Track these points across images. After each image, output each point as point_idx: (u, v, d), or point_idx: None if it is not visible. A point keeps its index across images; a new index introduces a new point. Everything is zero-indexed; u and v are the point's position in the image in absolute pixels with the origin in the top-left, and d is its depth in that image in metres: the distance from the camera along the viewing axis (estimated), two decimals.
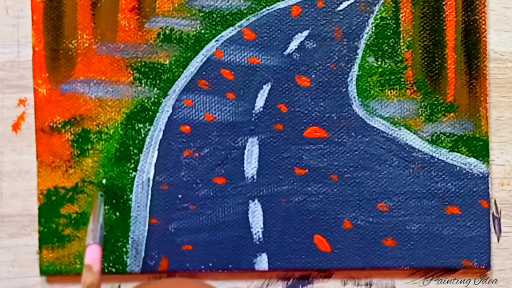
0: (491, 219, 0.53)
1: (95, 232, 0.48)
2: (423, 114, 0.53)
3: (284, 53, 0.53)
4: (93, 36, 0.53)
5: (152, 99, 0.53)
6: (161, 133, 0.53)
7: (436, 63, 0.53)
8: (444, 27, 0.53)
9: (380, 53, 0.53)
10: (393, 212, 0.53)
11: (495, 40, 0.54)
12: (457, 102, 0.53)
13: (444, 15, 0.53)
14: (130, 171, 0.53)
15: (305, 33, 0.53)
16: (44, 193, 0.53)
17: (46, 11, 0.53)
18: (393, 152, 0.53)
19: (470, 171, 0.53)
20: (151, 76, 0.53)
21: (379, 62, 0.53)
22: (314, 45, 0.53)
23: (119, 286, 0.53)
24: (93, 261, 0.46)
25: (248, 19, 0.53)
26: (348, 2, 0.53)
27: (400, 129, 0.53)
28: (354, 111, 0.53)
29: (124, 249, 0.53)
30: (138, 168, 0.53)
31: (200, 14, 0.53)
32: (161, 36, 0.53)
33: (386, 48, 0.53)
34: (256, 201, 0.53)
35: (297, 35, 0.53)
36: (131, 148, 0.53)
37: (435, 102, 0.53)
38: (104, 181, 0.53)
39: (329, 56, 0.53)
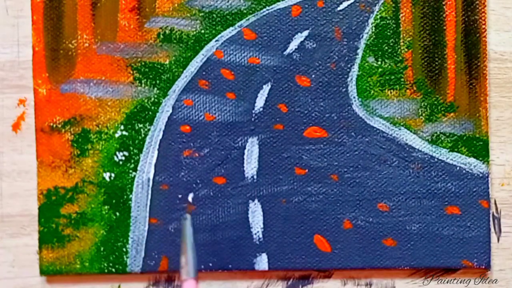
0: (491, 219, 0.53)
1: (189, 266, 0.46)
2: (423, 114, 0.53)
3: (284, 53, 0.53)
4: (93, 36, 0.53)
5: (152, 99, 0.53)
6: (161, 133, 0.53)
7: (436, 63, 0.53)
8: (444, 27, 0.53)
9: (380, 53, 0.53)
10: (393, 212, 0.53)
11: (495, 40, 0.54)
12: (457, 102, 0.53)
13: (444, 15, 0.53)
14: (130, 171, 0.53)
15: (305, 33, 0.53)
16: (44, 193, 0.53)
17: (46, 11, 0.53)
18: (393, 152, 0.53)
19: (470, 171, 0.53)
20: (151, 76, 0.53)
21: (379, 62, 0.53)
22: (314, 45, 0.53)
23: (119, 286, 0.53)
24: None
25: (248, 19, 0.53)
26: (348, 2, 0.53)
27: (400, 129, 0.53)
28: (354, 111, 0.53)
29: (124, 249, 0.53)
30: (138, 168, 0.53)
31: (200, 14, 0.53)
32: (161, 36, 0.53)
33: (386, 48, 0.53)
34: (256, 201, 0.53)
35: (297, 35, 0.53)
36: (131, 148, 0.53)
37: (435, 102, 0.53)
38: (190, 197, 0.52)
39: (329, 56, 0.53)
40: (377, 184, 0.53)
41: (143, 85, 0.53)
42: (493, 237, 0.53)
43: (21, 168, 0.54)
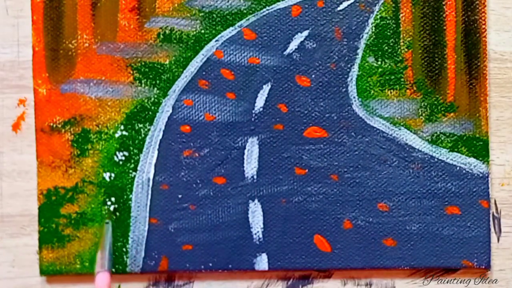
0: (491, 219, 0.53)
1: (103, 260, 0.50)
2: (423, 114, 0.53)
3: (284, 53, 0.53)
4: (93, 36, 0.53)
5: (152, 99, 0.53)
6: (161, 133, 0.53)
7: (436, 63, 0.53)
8: (444, 27, 0.53)
9: (380, 53, 0.53)
10: (393, 212, 0.53)
11: (495, 40, 0.54)
12: (457, 102, 0.53)
13: (444, 15, 0.53)
14: (130, 171, 0.53)
15: (305, 33, 0.53)
16: (44, 193, 0.53)
17: (46, 11, 0.53)
18: (393, 152, 0.53)
19: (470, 171, 0.53)
20: (151, 76, 0.53)
21: (379, 62, 0.53)
22: (314, 45, 0.53)
23: (119, 286, 0.53)
24: None
25: (248, 19, 0.53)
26: (348, 2, 0.53)
27: (400, 129, 0.53)
28: (354, 111, 0.53)
29: (124, 249, 0.53)
30: (138, 168, 0.53)
31: (200, 14, 0.53)
32: (161, 36, 0.53)
33: (386, 48, 0.53)
34: (256, 201, 0.53)
35: (297, 35, 0.53)
36: (131, 148, 0.53)
37: (435, 102, 0.53)
38: (112, 207, 0.53)
39: (329, 56, 0.53)
40: (377, 184, 0.53)
41: (143, 85, 0.53)
42: (493, 237, 0.53)
43: (21, 168, 0.54)
